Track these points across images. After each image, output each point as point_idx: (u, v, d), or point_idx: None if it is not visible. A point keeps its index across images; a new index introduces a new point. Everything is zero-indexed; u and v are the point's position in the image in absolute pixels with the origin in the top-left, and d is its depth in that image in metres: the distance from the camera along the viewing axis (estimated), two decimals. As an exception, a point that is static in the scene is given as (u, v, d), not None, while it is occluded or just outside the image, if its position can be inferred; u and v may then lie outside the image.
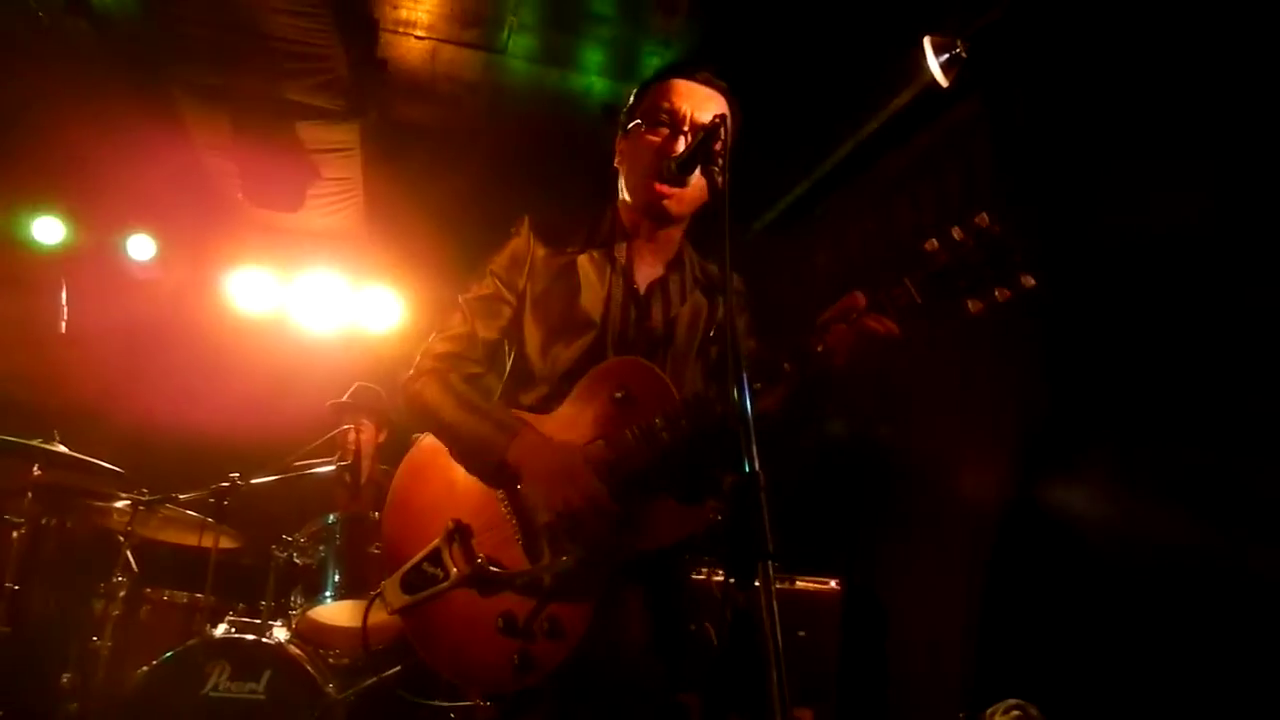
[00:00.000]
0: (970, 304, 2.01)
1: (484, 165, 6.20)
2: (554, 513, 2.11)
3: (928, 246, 2.04)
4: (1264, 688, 3.06)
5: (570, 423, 2.23)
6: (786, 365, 2.10)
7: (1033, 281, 1.98)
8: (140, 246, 6.62)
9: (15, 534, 4.52)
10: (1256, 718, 3.07)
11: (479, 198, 6.23)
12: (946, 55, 3.69)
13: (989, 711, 3.31)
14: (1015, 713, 3.23)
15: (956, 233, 2.01)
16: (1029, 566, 3.97)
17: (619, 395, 2.20)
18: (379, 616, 4.24)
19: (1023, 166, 4.18)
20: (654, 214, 2.35)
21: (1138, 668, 3.40)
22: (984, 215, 2.01)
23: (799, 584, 4.25)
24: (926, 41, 3.75)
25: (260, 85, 5.42)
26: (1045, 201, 3.90)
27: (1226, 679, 3.16)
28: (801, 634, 4.10)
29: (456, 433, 2.25)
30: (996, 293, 2.00)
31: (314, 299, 6.84)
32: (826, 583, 4.31)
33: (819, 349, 2.08)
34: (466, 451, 2.25)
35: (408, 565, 2.25)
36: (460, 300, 2.42)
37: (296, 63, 5.19)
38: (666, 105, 2.32)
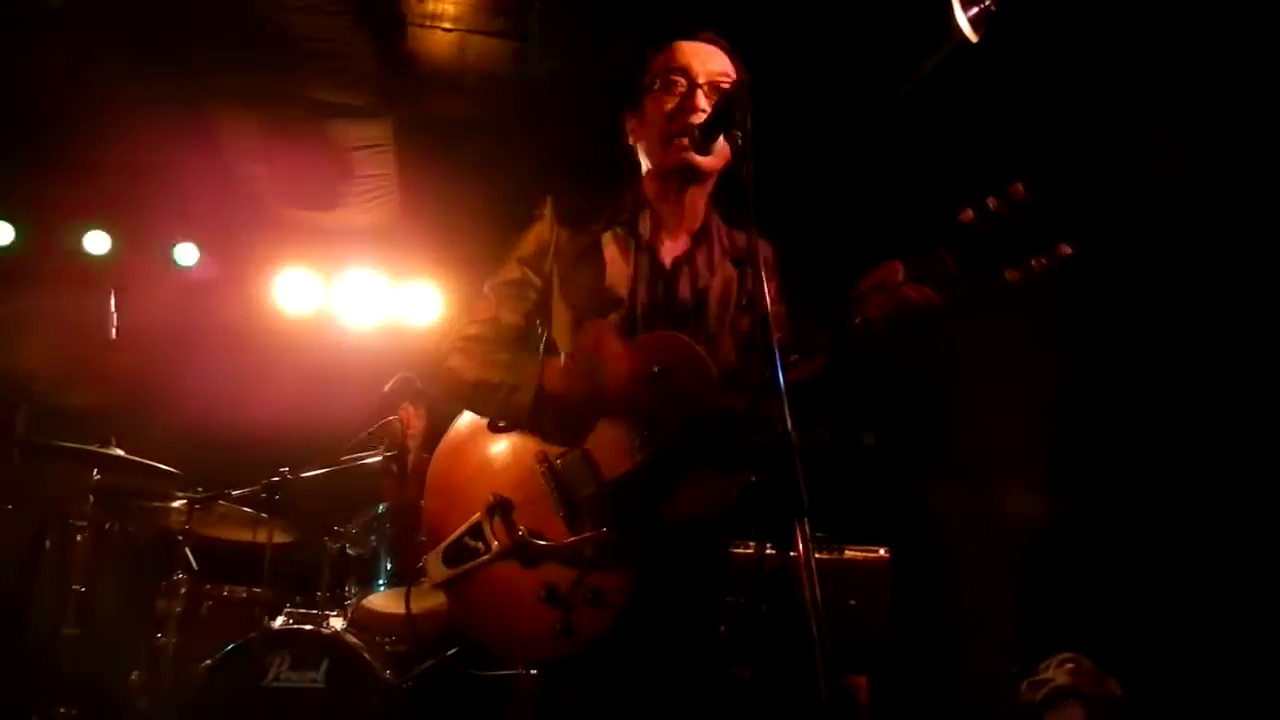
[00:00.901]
0: (1008, 273, 2.00)
1: (519, 156, 6.21)
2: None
3: (963, 216, 2.02)
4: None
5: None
6: (822, 337, 2.09)
7: (1069, 250, 1.96)
8: (186, 254, 6.75)
9: (79, 537, 4.66)
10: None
11: (515, 188, 6.21)
12: (975, 9, 3.62)
13: (1042, 665, 3.28)
14: (1069, 665, 3.20)
15: (992, 202, 1.99)
16: (1078, 525, 3.93)
17: (656, 370, 2.20)
18: (428, 602, 4.38)
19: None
20: (683, 172, 2.34)
21: (1186, 619, 3.35)
22: (1019, 185, 1.99)
23: (848, 553, 4.23)
24: (954, -3, 3.68)
25: (291, 86, 5.49)
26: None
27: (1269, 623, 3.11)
28: (853, 602, 4.08)
29: (485, 385, 2.28)
30: (1033, 262, 1.98)
31: (355, 296, 6.92)
32: (875, 551, 4.28)
33: (856, 320, 2.07)
34: (500, 402, 2.26)
35: (449, 539, 2.28)
36: (486, 286, 2.43)
37: (324, 61, 5.25)
38: (675, 65, 2.32)
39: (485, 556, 2.22)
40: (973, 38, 3.82)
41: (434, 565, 2.28)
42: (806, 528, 1.62)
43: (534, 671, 2.32)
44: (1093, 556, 3.81)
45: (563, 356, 2.26)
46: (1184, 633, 3.39)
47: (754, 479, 2.12)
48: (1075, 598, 3.82)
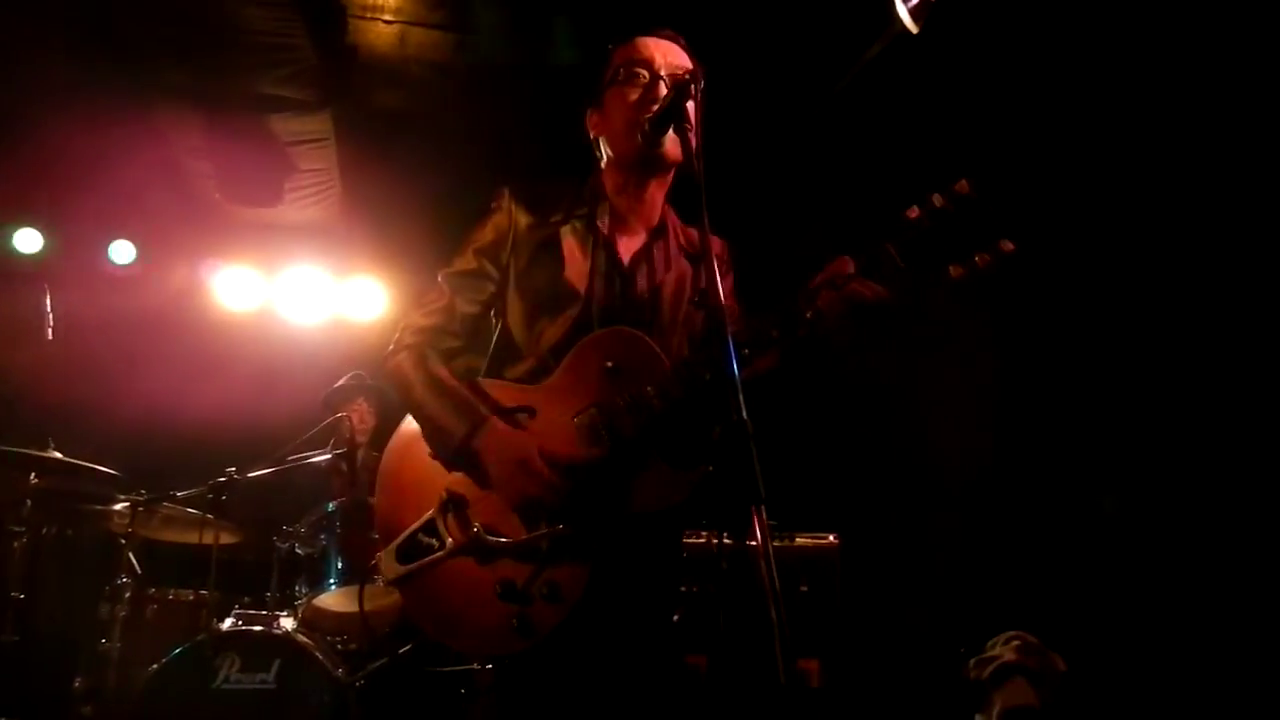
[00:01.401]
0: (952, 269, 2.05)
1: (462, 149, 6.17)
2: (509, 500, 2.15)
3: (910, 213, 2.07)
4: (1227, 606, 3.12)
5: (561, 393, 2.24)
6: (774, 332, 2.12)
7: (1011, 246, 2.03)
8: (121, 251, 6.62)
9: (16, 544, 4.54)
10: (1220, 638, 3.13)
11: (459, 182, 6.19)
12: (915, 1, 3.68)
13: (990, 643, 3.36)
14: (1015, 642, 3.28)
15: (937, 199, 2.04)
16: (1019, 508, 4.03)
17: (609, 365, 2.21)
18: (381, 601, 4.36)
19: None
20: (647, 161, 2.34)
21: (1126, 595, 3.46)
22: (964, 182, 2.04)
23: (798, 540, 4.29)
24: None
25: (230, 80, 5.39)
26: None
27: (1209, 601, 3.23)
28: (804, 589, 4.14)
29: (424, 413, 2.27)
30: (977, 258, 2.04)
31: (299, 292, 6.83)
32: (825, 537, 4.34)
33: (807, 314, 2.10)
34: (429, 434, 2.26)
35: (402, 536, 2.26)
36: (440, 276, 2.42)
37: (265, 54, 5.17)
38: (638, 58, 2.33)
39: (440, 553, 2.21)
40: (913, 29, 3.88)
41: (387, 563, 2.26)
42: (764, 515, 1.64)
43: (490, 666, 2.32)
44: (1036, 540, 3.92)
45: (502, 422, 2.22)
46: (1120, 611, 3.50)
47: (710, 469, 2.13)
48: (1020, 580, 3.92)
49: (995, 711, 3.17)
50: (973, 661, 3.35)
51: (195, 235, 6.79)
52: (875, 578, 4.80)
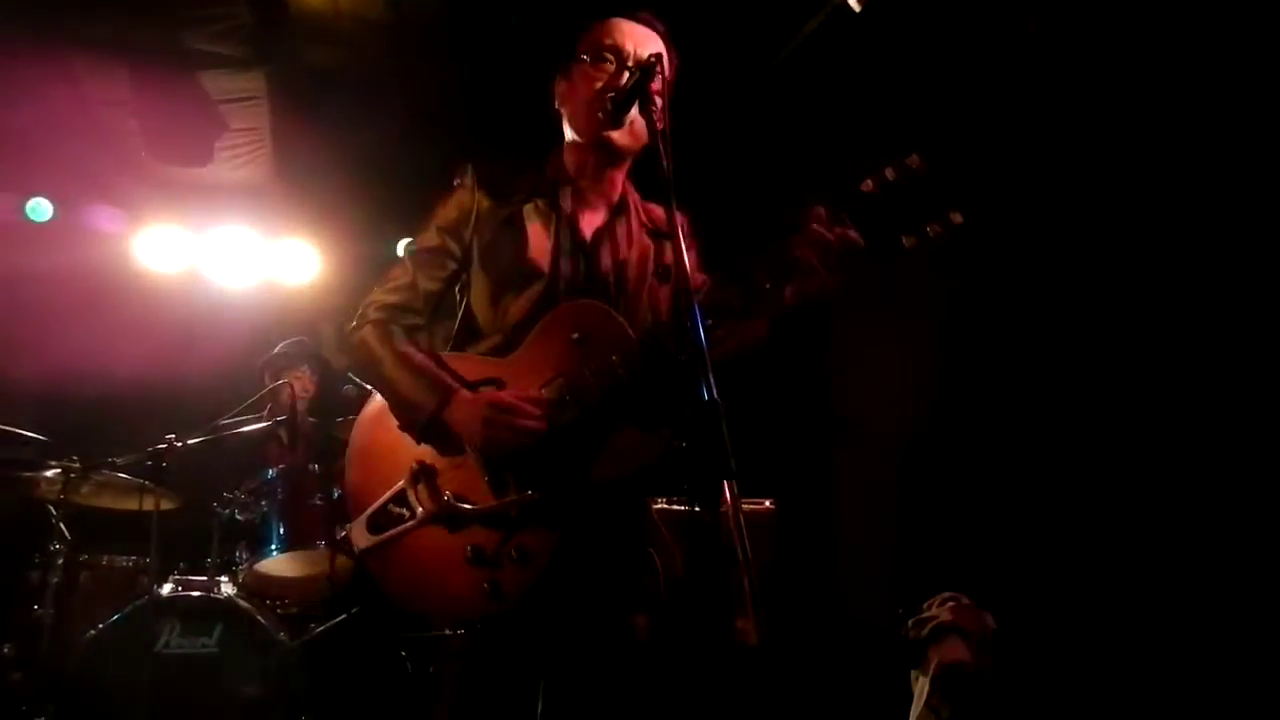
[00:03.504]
0: (905, 240, 2.14)
1: (394, 110, 6.09)
2: (481, 454, 2.21)
3: (864, 186, 2.14)
4: (1162, 576, 3.34)
5: (528, 365, 2.29)
6: (735, 303, 2.19)
7: (960, 218, 2.12)
8: (39, 209, 6.37)
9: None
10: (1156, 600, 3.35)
11: (392, 144, 6.13)
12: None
13: (925, 604, 3.54)
14: (950, 603, 3.47)
15: (889, 173, 2.13)
16: (951, 469, 4.21)
17: (576, 337, 2.26)
18: (318, 567, 4.37)
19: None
20: (603, 149, 2.39)
21: (1058, 555, 3.67)
22: (915, 156, 2.13)
23: (736, 505, 4.39)
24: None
25: (158, 34, 5.23)
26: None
27: (1133, 570, 3.44)
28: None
29: (393, 388, 2.31)
30: (929, 229, 2.13)
31: (227, 254, 6.67)
32: (761, 503, 4.47)
33: (766, 285, 2.17)
34: (398, 408, 2.30)
35: (373, 507, 2.31)
36: (403, 251, 2.44)
37: (195, 9, 5.02)
38: (609, 42, 2.36)
39: (411, 522, 2.27)
40: (856, 7, 3.98)
41: (358, 533, 2.31)
42: (735, 487, 1.74)
43: (461, 631, 2.38)
44: (969, 502, 4.09)
45: (469, 393, 2.26)
46: (1048, 571, 3.71)
47: (681, 444, 2.21)
48: (954, 541, 4.10)
49: (931, 668, 3.36)
50: (910, 622, 3.52)
51: (119, 193, 6.58)
52: (812, 542, 4.97)
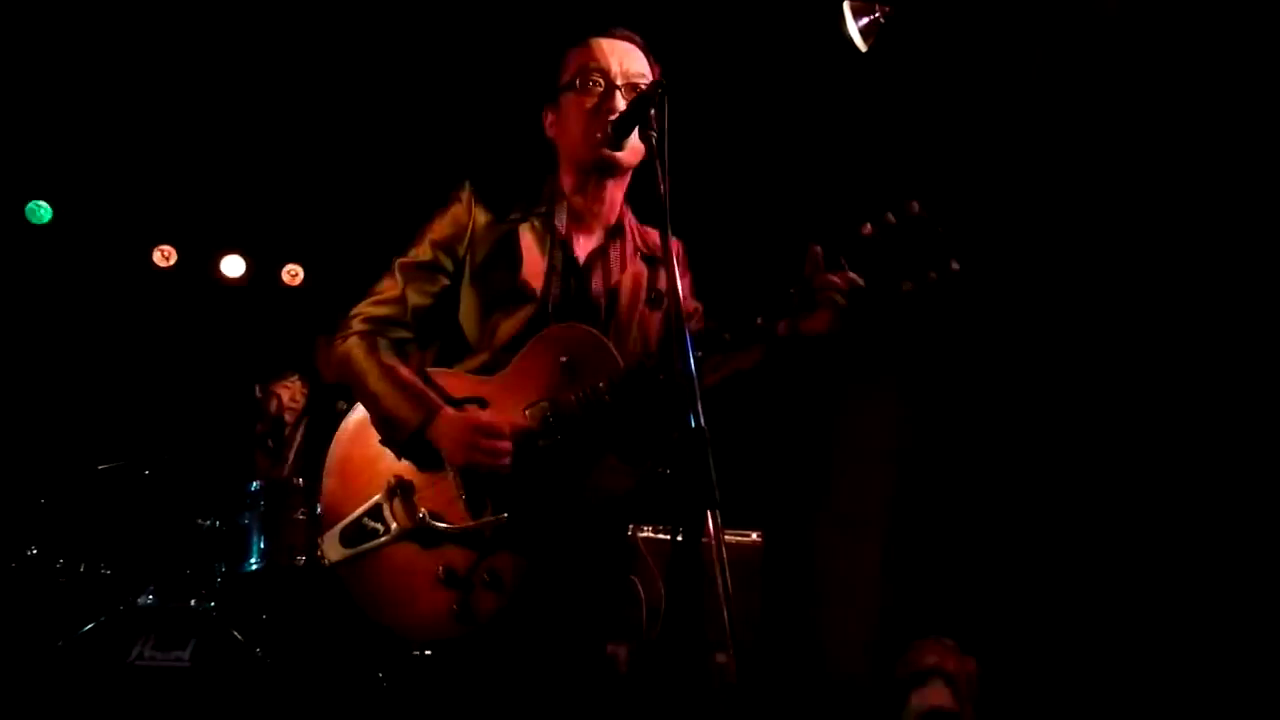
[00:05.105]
0: (904, 284, 2.11)
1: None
2: (459, 476, 2.19)
3: (864, 230, 2.13)
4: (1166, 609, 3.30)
5: (514, 386, 2.27)
6: (726, 335, 2.16)
7: (957, 265, 2.09)
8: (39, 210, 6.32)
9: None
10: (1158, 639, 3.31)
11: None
12: (866, 19, 3.78)
13: (911, 646, 3.49)
14: (934, 646, 3.42)
15: (890, 217, 2.11)
16: (942, 510, 4.18)
17: (564, 361, 2.24)
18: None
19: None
20: (603, 167, 2.37)
21: (1051, 599, 3.64)
22: (913, 202, 2.11)
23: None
24: (846, 6, 3.84)
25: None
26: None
27: (1130, 608, 3.41)
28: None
29: (376, 402, 2.27)
30: (929, 274, 2.10)
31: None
32: (748, 535, 4.43)
33: (758, 321, 2.15)
34: (381, 423, 2.27)
35: (347, 520, 2.28)
36: (395, 264, 2.42)
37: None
38: (594, 64, 2.34)
39: (384, 538, 2.23)
40: (862, 47, 3.99)
41: (330, 546, 2.27)
42: (718, 518, 1.70)
43: (429, 652, 2.34)
44: (954, 548, 4.06)
45: (452, 411, 2.24)
46: (1032, 616, 3.67)
47: (665, 471, 2.18)
48: (938, 587, 4.06)
49: (913, 712, 3.31)
50: (895, 663, 3.48)
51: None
52: (797, 577, 4.92)
